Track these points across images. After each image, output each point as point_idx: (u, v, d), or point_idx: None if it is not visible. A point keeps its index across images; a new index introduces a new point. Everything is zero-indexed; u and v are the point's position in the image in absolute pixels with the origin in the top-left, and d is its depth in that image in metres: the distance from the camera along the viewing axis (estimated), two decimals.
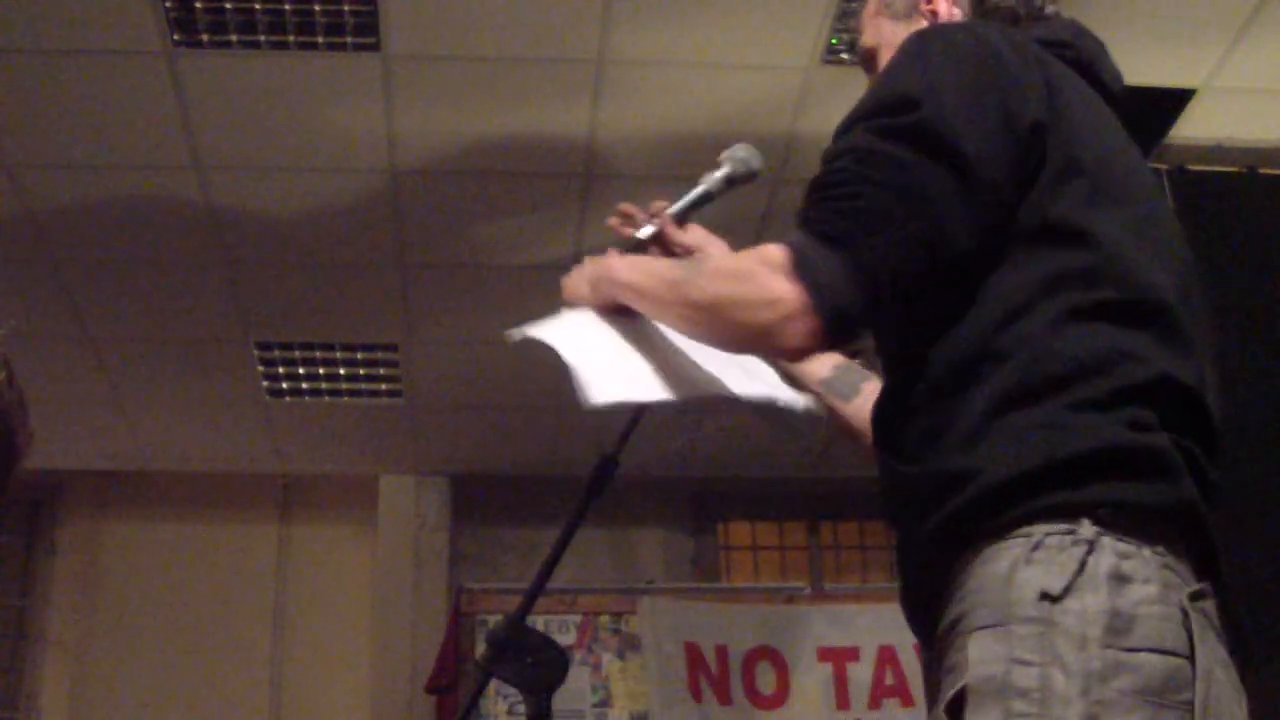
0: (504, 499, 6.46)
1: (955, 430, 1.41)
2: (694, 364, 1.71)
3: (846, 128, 1.52)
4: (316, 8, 3.80)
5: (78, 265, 4.88)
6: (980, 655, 1.31)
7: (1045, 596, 1.30)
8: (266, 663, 6.27)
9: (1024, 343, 1.41)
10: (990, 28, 1.62)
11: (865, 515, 6.44)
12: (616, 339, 1.70)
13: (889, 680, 5.47)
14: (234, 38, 3.88)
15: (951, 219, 1.42)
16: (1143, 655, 1.28)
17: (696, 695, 5.39)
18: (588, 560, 5.95)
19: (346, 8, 3.80)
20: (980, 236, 1.44)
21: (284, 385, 5.73)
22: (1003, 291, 1.44)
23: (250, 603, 6.35)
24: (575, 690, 5.49)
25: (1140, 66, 4.06)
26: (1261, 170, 4.36)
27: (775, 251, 1.45)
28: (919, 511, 1.43)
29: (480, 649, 5.24)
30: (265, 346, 5.47)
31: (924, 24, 1.75)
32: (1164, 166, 4.26)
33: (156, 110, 4.12)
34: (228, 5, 3.77)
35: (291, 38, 3.89)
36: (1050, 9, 1.75)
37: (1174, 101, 4.21)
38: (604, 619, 5.68)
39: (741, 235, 1.78)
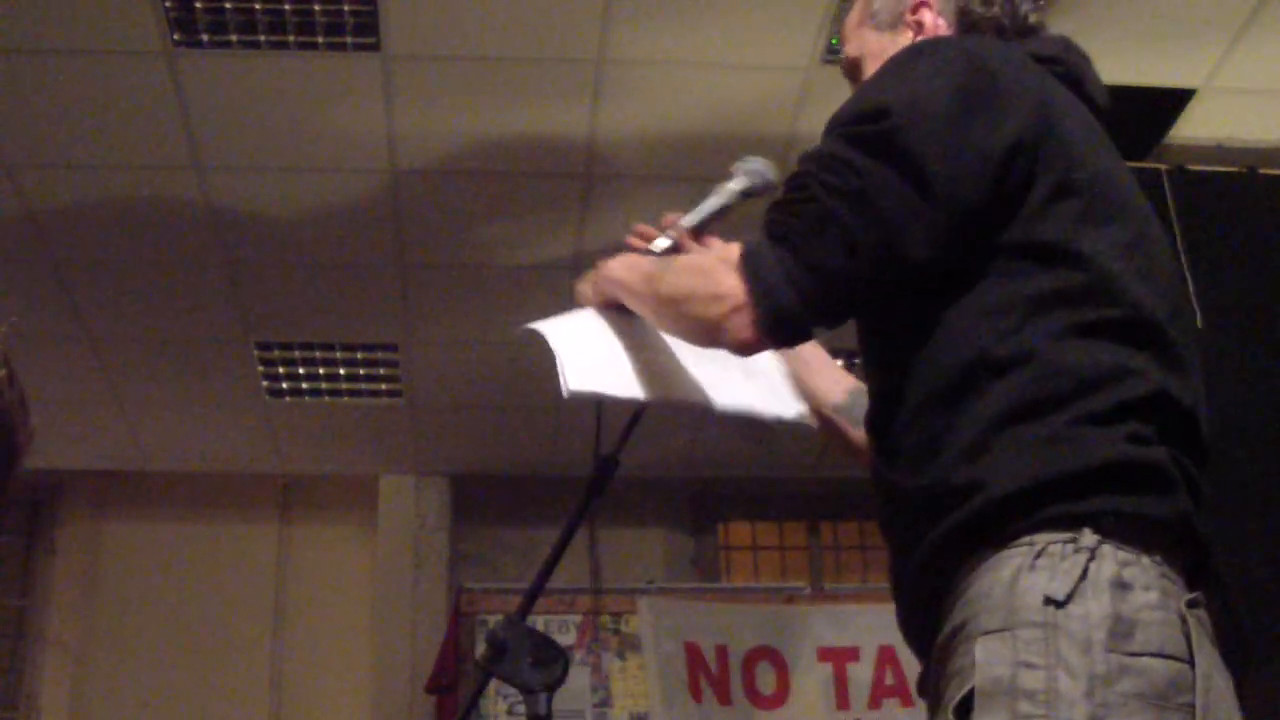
0: (504, 499, 6.45)
1: (957, 442, 1.42)
2: (682, 368, 1.73)
3: (825, 133, 1.54)
4: (316, 8, 3.80)
5: (78, 265, 4.88)
6: (987, 658, 1.33)
7: (1050, 602, 1.32)
8: (266, 663, 6.27)
9: (1026, 357, 1.42)
10: (988, 45, 1.63)
11: (865, 515, 6.43)
12: (610, 337, 1.74)
13: (889, 680, 5.47)
14: (234, 38, 3.88)
15: (905, 229, 1.44)
16: (1145, 659, 1.30)
17: (696, 695, 5.39)
18: (588, 560, 5.95)
19: (346, 8, 3.80)
20: (943, 250, 1.45)
21: (284, 385, 5.73)
22: (991, 305, 1.45)
23: (250, 603, 6.35)
24: (575, 690, 5.48)
25: (1140, 66, 4.06)
26: (1261, 170, 4.36)
27: (733, 249, 1.51)
28: (920, 522, 1.44)
29: (480, 649, 5.24)
30: (265, 346, 5.47)
31: (909, 35, 1.76)
32: (1164, 166, 4.26)
33: (156, 110, 4.12)
34: (228, 5, 3.77)
35: (291, 38, 3.89)
36: (1034, 20, 1.75)
37: (1174, 101, 4.21)
38: (604, 619, 5.68)
39: (743, 236, 1.78)
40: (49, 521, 6.42)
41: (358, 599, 6.37)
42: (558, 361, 1.66)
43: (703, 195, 1.92)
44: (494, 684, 4.75)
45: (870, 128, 1.48)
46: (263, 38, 3.88)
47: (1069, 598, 1.31)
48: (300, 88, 4.08)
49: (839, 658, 5.55)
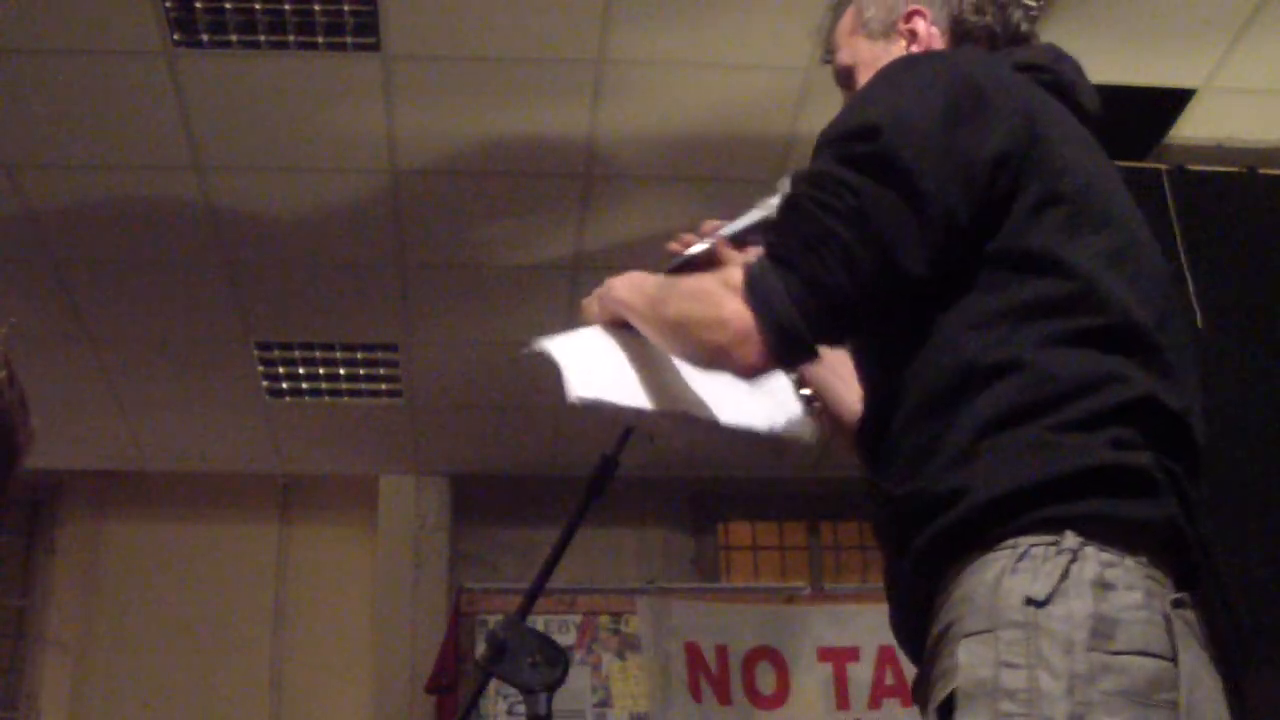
0: (504, 499, 6.45)
1: (944, 450, 1.44)
2: (687, 384, 1.74)
3: (817, 151, 1.56)
4: (316, 8, 3.80)
5: (78, 265, 4.88)
6: (969, 659, 1.35)
7: (1030, 602, 1.34)
8: (266, 663, 6.27)
9: (1013, 366, 1.44)
10: (971, 56, 1.64)
11: (865, 515, 6.35)
12: (615, 351, 1.75)
13: (889, 680, 5.47)
14: (234, 38, 3.88)
15: (903, 246, 1.46)
16: (1127, 658, 1.32)
17: (696, 695, 5.40)
18: (588, 560, 5.95)
19: (346, 8, 3.80)
20: (938, 264, 1.47)
21: (284, 385, 5.73)
22: (979, 315, 1.47)
23: (250, 603, 6.35)
24: (575, 690, 5.48)
25: (1140, 66, 4.06)
26: (1261, 170, 4.36)
27: (735, 273, 1.51)
28: (909, 528, 1.46)
29: (480, 649, 5.24)
30: (265, 346, 5.47)
31: (902, 43, 1.77)
32: (1164, 166, 4.26)
33: (156, 110, 4.12)
34: (228, 5, 3.77)
35: (291, 38, 3.89)
36: (1025, 28, 1.76)
37: (1174, 101, 4.21)
38: (604, 619, 5.68)
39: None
40: (49, 521, 6.41)
41: (358, 599, 6.36)
42: (561, 371, 1.67)
43: (745, 206, 1.91)
44: (494, 684, 4.75)
45: (863, 147, 1.49)
46: (263, 38, 3.88)
47: (1049, 598, 1.33)
48: (300, 88, 4.08)
49: (839, 658, 5.55)
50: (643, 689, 5.49)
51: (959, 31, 1.74)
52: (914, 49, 1.75)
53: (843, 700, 5.48)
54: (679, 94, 4.15)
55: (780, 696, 5.49)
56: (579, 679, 5.53)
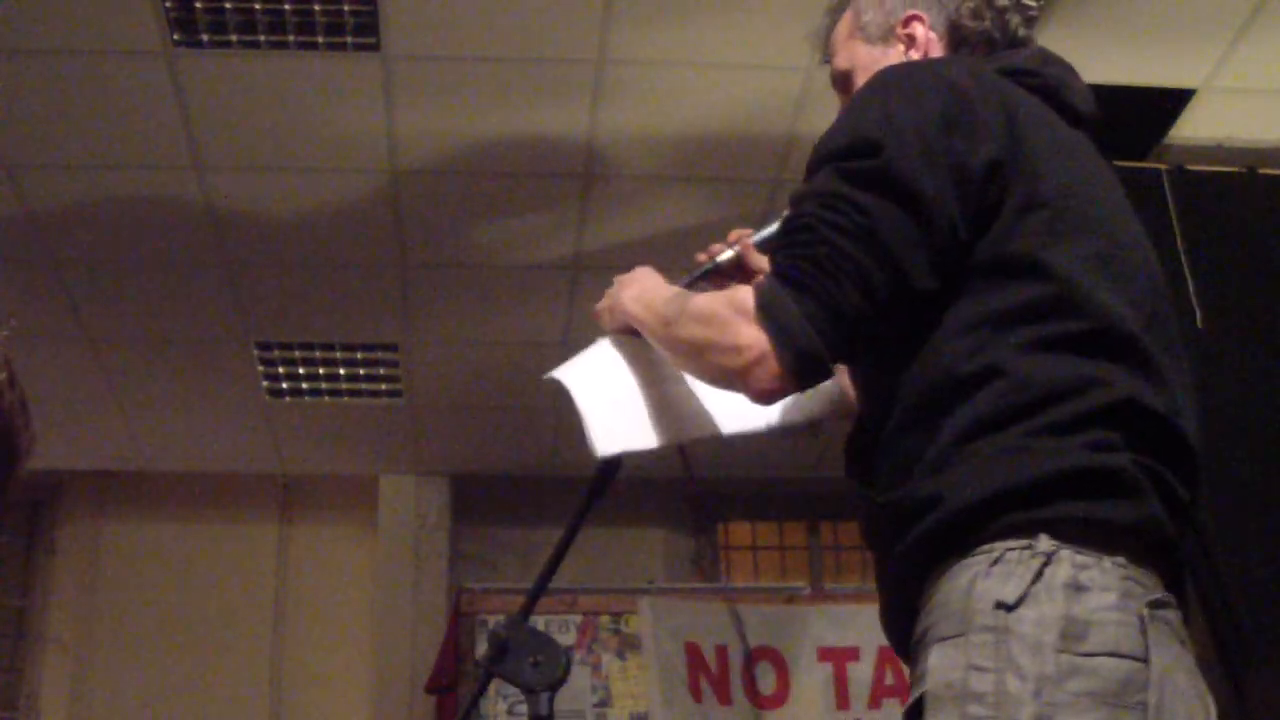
0: (504, 499, 6.45)
1: (926, 459, 1.45)
2: (696, 396, 1.78)
3: (815, 166, 1.56)
4: (316, 8, 3.80)
5: (78, 265, 4.88)
6: (939, 664, 1.37)
7: (1000, 606, 1.35)
8: (266, 663, 6.27)
9: (991, 373, 1.44)
10: (957, 65, 1.63)
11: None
12: (628, 376, 1.78)
13: (889, 680, 5.47)
14: (234, 38, 3.88)
15: (912, 261, 1.46)
16: (1099, 659, 1.32)
17: (697, 695, 5.39)
18: (588, 560, 5.95)
19: (346, 8, 3.80)
20: (941, 275, 1.48)
21: (284, 385, 5.73)
22: (965, 323, 1.47)
23: (250, 603, 6.35)
24: (575, 690, 5.48)
25: (1140, 66, 4.06)
26: (1261, 170, 4.36)
27: (745, 297, 1.51)
28: (892, 535, 1.48)
29: (480, 649, 5.24)
30: (265, 346, 5.47)
31: (900, 48, 1.76)
32: (1164, 166, 4.26)
33: (156, 110, 4.12)
34: (228, 5, 3.77)
35: (291, 38, 3.89)
36: (1024, 33, 1.75)
37: (1174, 101, 4.21)
38: (604, 619, 5.68)
39: None
40: (49, 521, 6.42)
41: (358, 599, 6.37)
42: (585, 425, 1.71)
43: (771, 218, 1.91)
44: (494, 684, 4.75)
45: (865, 163, 1.49)
46: (263, 38, 3.88)
47: (1020, 601, 1.34)
48: (300, 88, 4.08)
49: (839, 658, 5.55)
50: (643, 689, 5.49)
51: (957, 37, 1.74)
52: (912, 54, 1.75)
53: (843, 700, 5.48)
54: (679, 94, 4.15)
55: (780, 696, 5.48)
56: (579, 679, 5.54)
